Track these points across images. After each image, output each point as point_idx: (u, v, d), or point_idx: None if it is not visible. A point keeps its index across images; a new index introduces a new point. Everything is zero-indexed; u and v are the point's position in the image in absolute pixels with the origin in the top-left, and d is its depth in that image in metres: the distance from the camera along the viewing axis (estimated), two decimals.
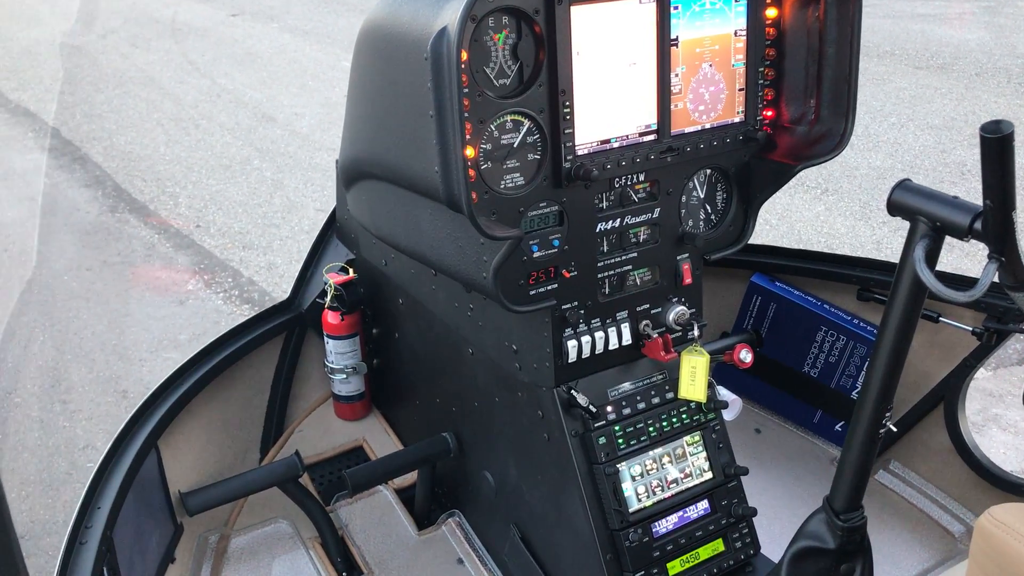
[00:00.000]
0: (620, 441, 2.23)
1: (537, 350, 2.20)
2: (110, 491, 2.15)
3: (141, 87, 10.15)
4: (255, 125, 8.81)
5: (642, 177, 2.18)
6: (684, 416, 2.33)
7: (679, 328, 2.31)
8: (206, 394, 2.70)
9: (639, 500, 2.23)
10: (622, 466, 2.22)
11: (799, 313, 3.04)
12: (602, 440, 2.20)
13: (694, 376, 2.28)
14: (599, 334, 2.21)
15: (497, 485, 2.53)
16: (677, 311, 2.30)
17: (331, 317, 2.91)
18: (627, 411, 2.26)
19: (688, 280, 2.31)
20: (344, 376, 2.99)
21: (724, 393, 2.42)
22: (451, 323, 2.51)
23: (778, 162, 2.27)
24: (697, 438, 2.34)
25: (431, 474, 2.75)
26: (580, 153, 2.06)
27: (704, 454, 2.33)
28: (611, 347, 2.23)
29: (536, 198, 2.04)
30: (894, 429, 2.84)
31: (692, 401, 2.32)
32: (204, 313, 5.72)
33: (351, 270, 2.92)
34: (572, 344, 2.17)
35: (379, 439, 3.05)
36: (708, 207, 2.34)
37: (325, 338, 2.96)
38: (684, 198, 2.28)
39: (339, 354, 2.95)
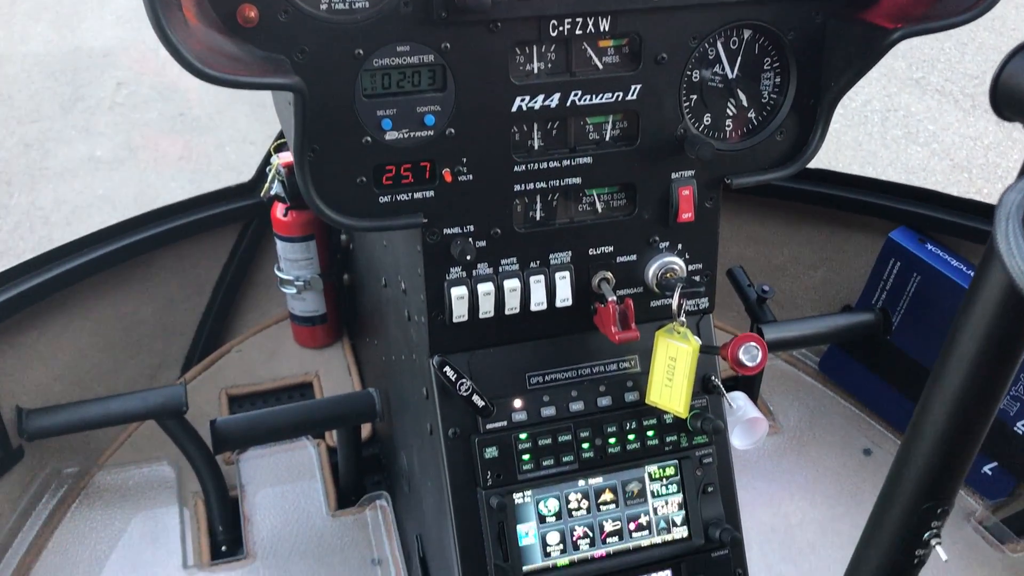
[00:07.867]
0: (527, 457, 1.39)
1: (415, 294, 1.40)
2: None
3: None
4: None
5: (606, 25, 1.27)
6: (651, 434, 1.44)
7: (662, 291, 1.41)
8: (107, 282, 2.09)
9: (546, 555, 1.40)
10: (523, 497, 1.39)
11: (954, 292, 2.00)
12: (491, 453, 1.38)
13: (672, 373, 1.37)
14: (511, 283, 1.35)
15: (408, 472, 1.77)
16: (663, 263, 1.40)
17: (278, 211, 2.19)
18: (549, 411, 1.41)
19: (687, 215, 1.38)
20: (295, 290, 2.28)
21: (738, 406, 1.50)
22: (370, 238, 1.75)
23: (871, 24, 1.28)
24: (671, 471, 1.45)
25: (353, 439, 2.01)
26: None
27: (679, 498, 1.44)
28: (535, 307, 1.37)
29: (391, 35, 1.20)
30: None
31: (668, 413, 1.42)
32: None
33: None
34: (459, 293, 1.34)
35: (336, 377, 2.32)
36: (742, 96, 1.38)
37: (275, 237, 2.26)
38: (693, 74, 1.34)
39: (289, 260, 2.24)
